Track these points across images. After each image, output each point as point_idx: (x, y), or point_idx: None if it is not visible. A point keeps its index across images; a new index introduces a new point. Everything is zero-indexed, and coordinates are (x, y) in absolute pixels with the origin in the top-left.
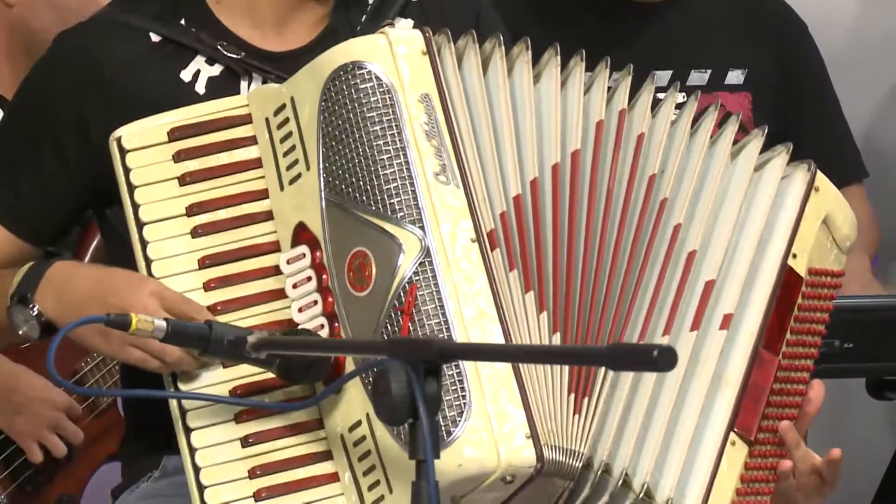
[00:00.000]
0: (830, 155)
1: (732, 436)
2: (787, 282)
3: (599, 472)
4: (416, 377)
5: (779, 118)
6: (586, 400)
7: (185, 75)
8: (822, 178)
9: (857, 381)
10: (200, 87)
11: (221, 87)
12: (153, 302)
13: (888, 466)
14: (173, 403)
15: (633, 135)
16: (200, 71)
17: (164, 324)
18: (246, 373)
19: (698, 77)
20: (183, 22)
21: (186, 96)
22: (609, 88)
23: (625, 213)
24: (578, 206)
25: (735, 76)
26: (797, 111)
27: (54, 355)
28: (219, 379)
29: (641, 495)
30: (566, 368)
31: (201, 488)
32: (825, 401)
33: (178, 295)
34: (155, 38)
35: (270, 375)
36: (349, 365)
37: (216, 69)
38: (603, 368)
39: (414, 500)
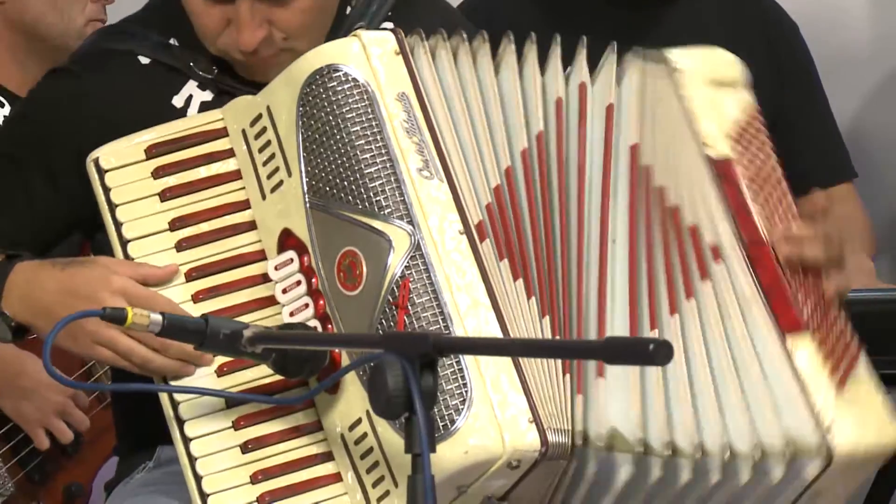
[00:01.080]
0: (820, 154)
1: (789, 342)
2: (721, 173)
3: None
4: (412, 371)
5: (771, 116)
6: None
7: (178, 101)
8: (675, 56)
9: None
10: (192, 112)
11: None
12: (119, 300)
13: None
14: (169, 413)
15: (599, 106)
16: (193, 96)
17: (159, 318)
18: (241, 381)
19: None
20: (174, 41)
21: None
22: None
23: (606, 184)
24: (550, 187)
25: None
26: (788, 110)
27: (50, 350)
28: (213, 385)
29: (788, 454)
30: None
31: (204, 497)
32: None
33: (145, 290)
34: (144, 60)
35: (266, 380)
36: (345, 362)
37: (209, 94)
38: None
39: (410, 495)
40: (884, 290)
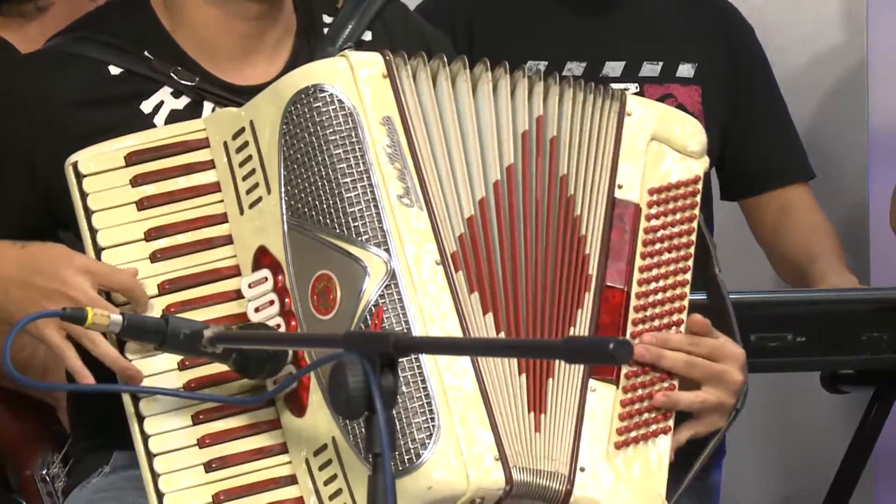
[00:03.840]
0: (776, 154)
1: (592, 384)
2: (617, 214)
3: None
4: (373, 370)
5: (728, 113)
6: (543, 416)
7: (146, 107)
8: (635, 102)
9: (811, 374)
10: (160, 120)
11: (184, 120)
12: (83, 279)
13: (842, 460)
14: (130, 410)
15: (547, 139)
16: (163, 103)
17: (120, 318)
18: (203, 374)
19: (650, 69)
20: (147, 53)
21: (144, 128)
22: (567, 77)
23: (539, 219)
24: (519, 223)
25: (686, 69)
26: (744, 108)
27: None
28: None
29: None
30: (524, 386)
31: (160, 496)
32: (778, 395)
33: (108, 267)
34: (114, 70)
35: (227, 371)
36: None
37: (181, 102)
38: (550, 382)
39: (370, 495)
40: (838, 290)
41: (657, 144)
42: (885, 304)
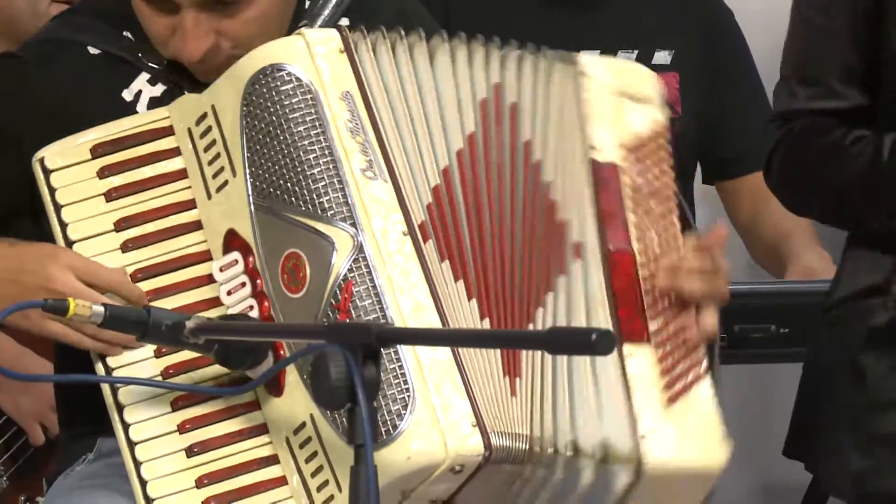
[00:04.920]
0: (754, 137)
1: (627, 349)
2: (601, 177)
3: (549, 452)
4: (355, 361)
5: (705, 98)
6: (518, 381)
7: (127, 95)
8: (586, 62)
9: (794, 365)
10: (142, 108)
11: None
12: (68, 275)
13: None
14: (110, 400)
15: (508, 105)
16: (142, 91)
17: (101, 309)
18: (180, 359)
19: (625, 56)
20: (127, 34)
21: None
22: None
23: (513, 183)
24: (482, 191)
25: (662, 56)
26: (722, 93)
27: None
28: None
29: (599, 458)
30: (498, 352)
31: (144, 483)
32: (761, 386)
33: (92, 263)
34: (93, 50)
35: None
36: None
37: (158, 89)
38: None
39: (353, 486)
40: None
41: (619, 99)
42: None
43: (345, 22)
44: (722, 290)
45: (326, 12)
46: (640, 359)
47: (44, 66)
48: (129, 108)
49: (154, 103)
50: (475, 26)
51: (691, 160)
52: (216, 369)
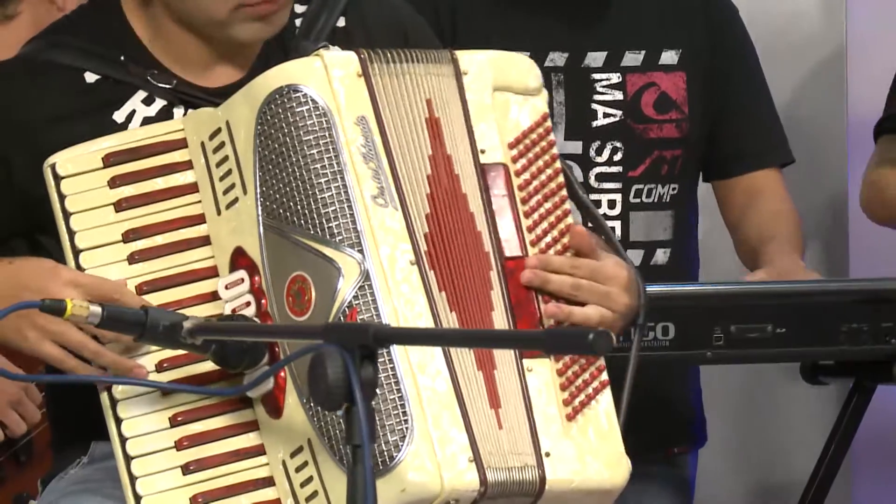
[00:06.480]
0: (751, 137)
1: (527, 363)
2: (493, 180)
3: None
4: (352, 362)
5: (712, 97)
6: (500, 411)
7: (119, 116)
8: (467, 58)
9: (791, 365)
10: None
11: None
12: (71, 291)
13: (821, 452)
14: (108, 412)
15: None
16: (135, 112)
17: (99, 309)
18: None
19: (633, 58)
20: (122, 58)
21: None
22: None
23: (453, 207)
24: (445, 216)
25: (669, 56)
26: (727, 91)
27: None
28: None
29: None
30: (482, 382)
31: (137, 498)
32: (758, 386)
33: (95, 278)
34: (90, 77)
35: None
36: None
37: (153, 109)
38: (497, 374)
39: (350, 486)
40: (818, 282)
41: (500, 94)
42: (865, 295)
43: (342, 23)
44: (598, 290)
45: (324, 15)
46: (540, 372)
47: (36, 88)
48: (120, 131)
49: (147, 123)
50: (481, 30)
51: (697, 160)
52: (216, 387)
